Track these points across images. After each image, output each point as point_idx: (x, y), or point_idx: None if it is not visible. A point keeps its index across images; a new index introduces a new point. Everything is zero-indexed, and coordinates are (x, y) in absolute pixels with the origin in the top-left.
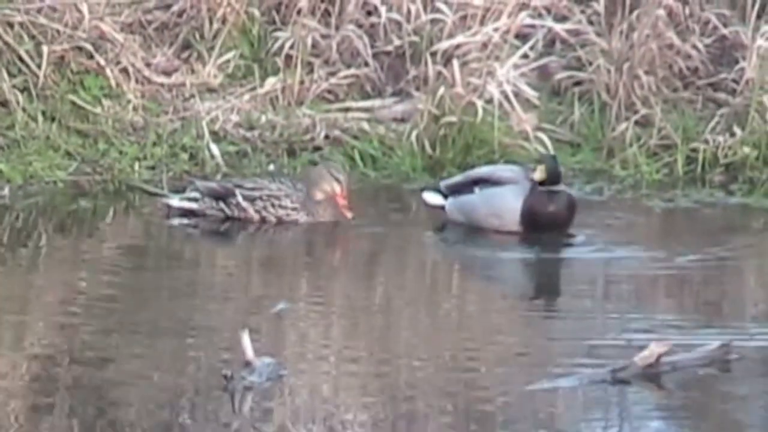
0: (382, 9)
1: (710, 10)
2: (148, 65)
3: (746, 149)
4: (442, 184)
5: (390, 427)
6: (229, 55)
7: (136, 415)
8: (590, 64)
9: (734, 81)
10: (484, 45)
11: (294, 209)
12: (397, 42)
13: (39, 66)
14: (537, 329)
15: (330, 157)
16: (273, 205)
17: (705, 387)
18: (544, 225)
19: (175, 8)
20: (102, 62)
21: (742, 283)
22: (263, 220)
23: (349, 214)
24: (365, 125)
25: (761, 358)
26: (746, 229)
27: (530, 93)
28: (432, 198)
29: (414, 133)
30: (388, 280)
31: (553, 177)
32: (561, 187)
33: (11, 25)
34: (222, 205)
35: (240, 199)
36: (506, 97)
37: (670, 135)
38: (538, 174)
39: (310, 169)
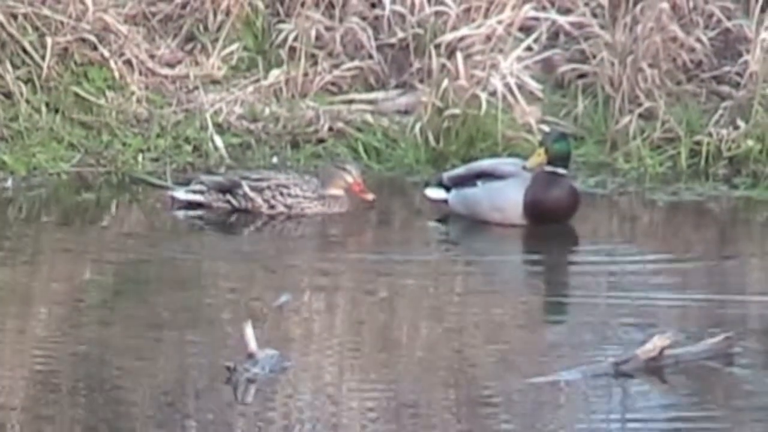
0: (386, 1)
1: (714, 3)
2: (151, 57)
3: (750, 142)
4: (445, 175)
5: (392, 418)
6: (233, 47)
7: (139, 407)
8: (594, 56)
9: (738, 74)
10: (488, 37)
11: (305, 198)
12: (401, 34)
13: (43, 57)
14: (540, 321)
15: (334, 153)
16: (282, 194)
17: (708, 380)
18: (548, 214)
19: (178, 0)
20: (106, 54)
21: (744, 279)
22: (272, 209)
23: (369, 197)
24: (369, 117)
25: (764, 350)
26: (749, 223)
27: (534, 86)
28: (434, 193)
29: (418, 126)
30: (391, 272)
31: (560, 157)
32: (565, 172)
33: (15, 17)
34: (228, 196)
35: (247, 189)
36: (510, 90)
37: (673, 128)
38: (534, 159)
39: (320, 171)
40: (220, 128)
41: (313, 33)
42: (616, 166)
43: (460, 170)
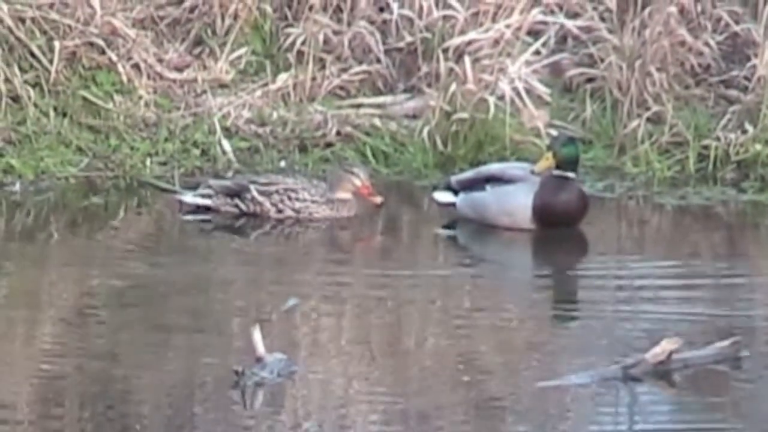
0: (394, 5)
1: (722, 7)
2: (160, 61)
3: (758, 146)
4: (453, 179)
5: (401, 422)
6: (241, 51)
7: (147, 411)
8: (602, 60)
9: (746, 78)
10: (496, 41)
11: (313, 202)
12: (409, 38)
13: (51, 61)
14: (549, 325)
15: (342, 157)
16: (290, 198)
17: (716, 384)
18: (556, 218)
19: (187, 4)
20: (114, 58)
21: (752, 283)
22: (280, 213)
23: (377, 200)
24: (377, 121)
25: None
26: (757, 227)
27: (542, 90)
28: (442, 196)
29: (426, 130)
30: (399, 277)
31: (569, 161)
32: (573, 176)
33: (23, 21)
34: (236, 200)
35: (255, 193)
36: (518, 94)
37: (681, 132)
38: (543, 163)
39: (328, 175)
40: (228, 132)
41: (321, 37)
42: (624, 170)
43: (469, 174)
